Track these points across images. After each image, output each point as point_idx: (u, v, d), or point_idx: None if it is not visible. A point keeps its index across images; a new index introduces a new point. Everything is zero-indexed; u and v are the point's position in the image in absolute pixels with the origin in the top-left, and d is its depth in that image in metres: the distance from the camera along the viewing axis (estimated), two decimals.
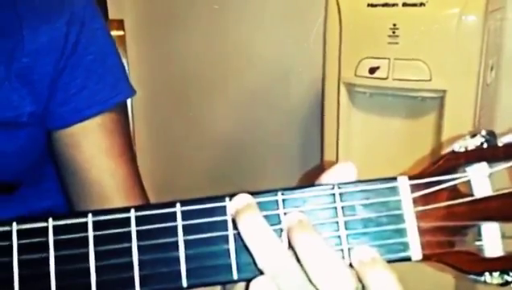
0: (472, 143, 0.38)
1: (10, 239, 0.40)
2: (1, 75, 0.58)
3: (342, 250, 0.37)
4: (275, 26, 1.49)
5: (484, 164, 0.38)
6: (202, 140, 1.75)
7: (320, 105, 1.19)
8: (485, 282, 0.38)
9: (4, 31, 0.59)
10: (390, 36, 1.03)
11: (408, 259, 0.37)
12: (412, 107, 1.09)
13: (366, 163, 1.18)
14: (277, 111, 1.56)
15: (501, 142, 0.38)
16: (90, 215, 0.40)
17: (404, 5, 1.02)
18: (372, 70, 1.06)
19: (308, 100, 1.45)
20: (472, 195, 0.38)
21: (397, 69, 1.04)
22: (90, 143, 0.64)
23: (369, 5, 1.05)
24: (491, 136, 0.38)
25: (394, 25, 1.02)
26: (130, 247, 0.39)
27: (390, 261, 0.37)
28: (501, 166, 0.38)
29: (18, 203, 0.63)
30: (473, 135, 0.38)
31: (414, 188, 0.37)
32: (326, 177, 0.38)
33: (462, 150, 0.38)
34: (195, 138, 1.77)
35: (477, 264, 0.37)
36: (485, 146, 0.38)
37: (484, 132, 0.38)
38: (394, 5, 1.03)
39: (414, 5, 1.01)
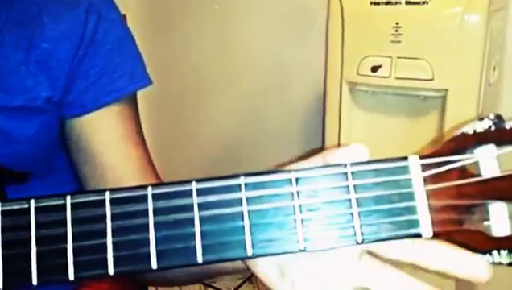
0: (480, 126, 0.39)
1: (29, 216, 0.41)
2: (18, 59, 0.60)
3: (354, 227, 0.38)
4: (277, 25, 1.51)
5: (491, 146, 0.39)
6: (202, 138, 1.77)
7: (322, 103, 1.20)
8: (493, 262, 0.39)
9: (24, 18, 0.61)
10: (392, 35, 1.04)
11: (419, 236, 0.38)
12: (414, 106, 1.10)
13: None
14: (278, 110, 1.58)
15: (508, 125, 0.39)
16: (108, 193, 0.41)
17: (407, 3, 1.03)
18: (374, 68, 1.07)
19: (310, 98, 1.46)
20: (480, 175, 0.39)
21: (399, 68, 1.05)
22: (106, 129, 0.66)
23: (371, 3, 1.06)
24: (499, 119, 0.39)
25: (397, 23, 1.03)
26: (147, 223, 0.40)
27: (401, 237, 0.38)
28: (509, 148, 0.39)
29: (27, 195, 0.64)
30: (481, 119, 0.39)
31: (425, 167, 0.39)
32: (339, 154, 0.40)
33: (471, 132, 0.39)
34: (194, 136, 1.78)
35: (486, 243, 0.38)
36: (493, 128, 0.39)
37: (492, 116, 0.39)
38: (397, 3, 1.03)
39: (417, 3, 1.02)
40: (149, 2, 1.76)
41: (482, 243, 0.38)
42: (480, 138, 0.39)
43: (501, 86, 1.20)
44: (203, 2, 1.63)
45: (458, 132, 0.40)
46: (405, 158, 0.39)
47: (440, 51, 1.03)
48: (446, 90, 1.03)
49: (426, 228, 0.38)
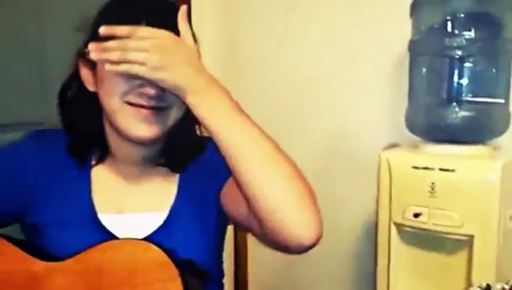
0: None
1: None
2: (195, 212, 1.04)
3: None
4: (335, 174, 1.87)
5: None
6: None
7: (374, 240, 1.52)
8: None
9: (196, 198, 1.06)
10: (429, 191, 1.37)
11: None
12: (448, 245, 1.40)
13: (413, 288, 1.50)
14: (334, 247, 1.89)
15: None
16: None
17: (440, 169, 1.36)
18: (416, 215, 1.40)
19: (363, 237, 1.78)
20: None
21: (435, 216, 1.37)
22: None
23: (413, 167, 1.40)
24: (488, 287, 0.71)
25: (433, 183, 1.37)
26: None
27: None
28: None
29: None
30: (478, 287, 0.72)
31: None
32: None
33: None
34: None
35: None
36: None
37: (484, 284, 0.71)
38: (432, 169, 1.37)
39: (447, 170, 1.36)
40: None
41: None
42: None
43: None
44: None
45: None
46: None
47: (467, 205, 1.34)
48: (472, 236, 1.34)
49: None
